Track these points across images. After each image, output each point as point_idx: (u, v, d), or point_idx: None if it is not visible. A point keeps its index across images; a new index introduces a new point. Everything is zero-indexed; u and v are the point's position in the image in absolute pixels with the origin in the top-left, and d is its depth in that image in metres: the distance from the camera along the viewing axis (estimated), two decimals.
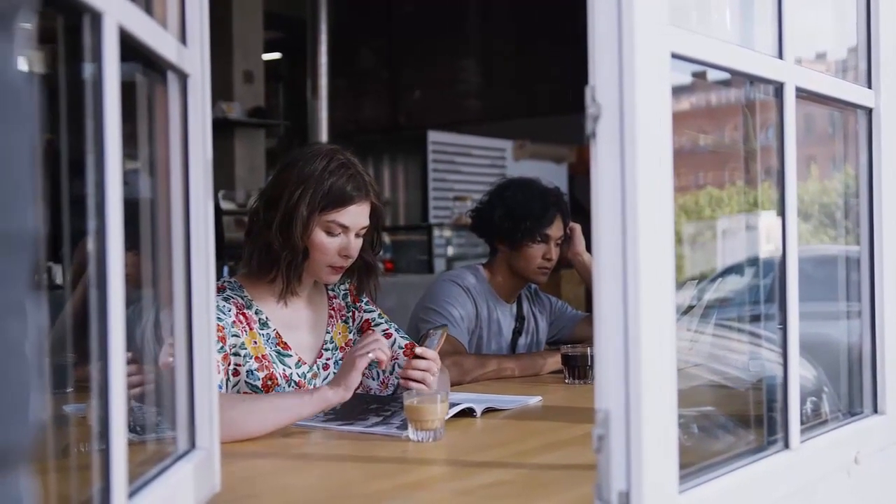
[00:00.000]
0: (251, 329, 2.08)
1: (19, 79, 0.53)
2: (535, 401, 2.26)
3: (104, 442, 0.96)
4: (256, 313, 2.11)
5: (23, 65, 0.54)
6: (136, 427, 1.26)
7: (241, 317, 2.07)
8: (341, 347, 2.24)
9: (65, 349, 1.68)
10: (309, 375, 2.15)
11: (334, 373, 2.17)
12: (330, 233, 2.08)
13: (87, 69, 0.97)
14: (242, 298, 2.11)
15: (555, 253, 2.91)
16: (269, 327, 2.11)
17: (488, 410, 2.09)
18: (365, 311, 2.30)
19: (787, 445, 1.44)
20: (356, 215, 2.09)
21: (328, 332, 2.23)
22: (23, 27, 0.55)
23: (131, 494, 1.03)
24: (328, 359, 2.21)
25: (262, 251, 2.09)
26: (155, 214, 1.30)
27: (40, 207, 0.57)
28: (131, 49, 1.06)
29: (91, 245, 0.96)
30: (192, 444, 1.31)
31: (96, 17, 0.95)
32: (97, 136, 0.96)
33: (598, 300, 1.12)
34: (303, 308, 2.20)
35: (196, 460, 1.28)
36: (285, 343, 2.13)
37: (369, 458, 1.69)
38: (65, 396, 1.53)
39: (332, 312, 2.26)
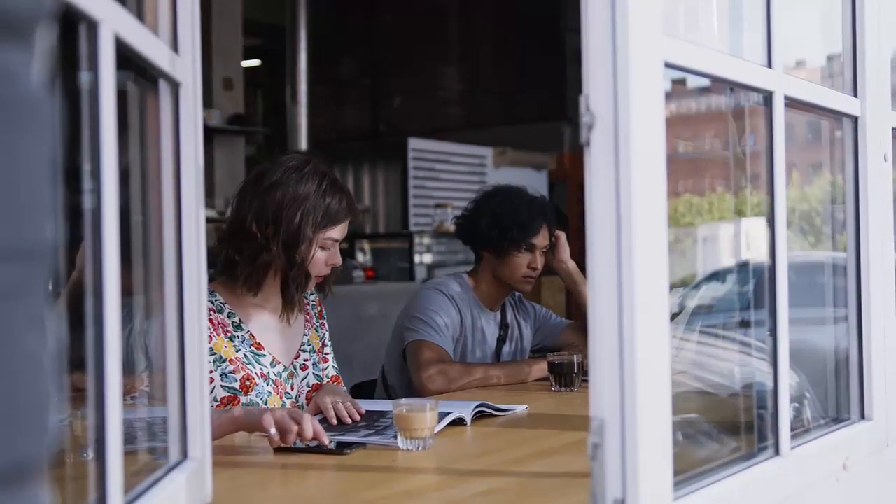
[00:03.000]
0: (224, 332, 2.14)
1: (39, 91, 0.53)
2: (521, 409, 2.26)
3: (100, 453, 0.95)
4: (229, 317, 2.17)
5: (41, 77, 0.53)
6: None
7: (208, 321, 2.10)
8: (317, 350, 2.33)
9: None
10: (285, 375, 2.21)
11: (313, 373, 2.28)
12: (324, 248, 2.19)
13: (83, 77, 0.96)
14: (213, 303, 2.16)
15: (540, 262, 2.91)
16: (243, 329, 2.18)
17: (479, 415, 2.09)
18: (326, 329, 2.41)
19: (777, 452, 1.44)
20: (345, 228, 2.24)
21: (305, 335, 2.31)
22: (41, 40, 0.55)
23: None
24: (306, 360, 2.29)
25: (259, 269, 2.14)
26: (146, 222, 1.29)
27: (58, 219, 0.56)
28: (124, 57, 1.05)
29: (87, 253, 0.95)
30: (184, 455, 1.30)
31: (92, 26, 0.94)
32: (93, 144, 0.95)
33: (592, 309, 1.12)
34: (279, 311, 2.25)
35: (188, 471, 1.27)
36: (259, 343, 2.19)
37: (360, 467, 1.68)
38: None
39: (308, 317, 2.35)
